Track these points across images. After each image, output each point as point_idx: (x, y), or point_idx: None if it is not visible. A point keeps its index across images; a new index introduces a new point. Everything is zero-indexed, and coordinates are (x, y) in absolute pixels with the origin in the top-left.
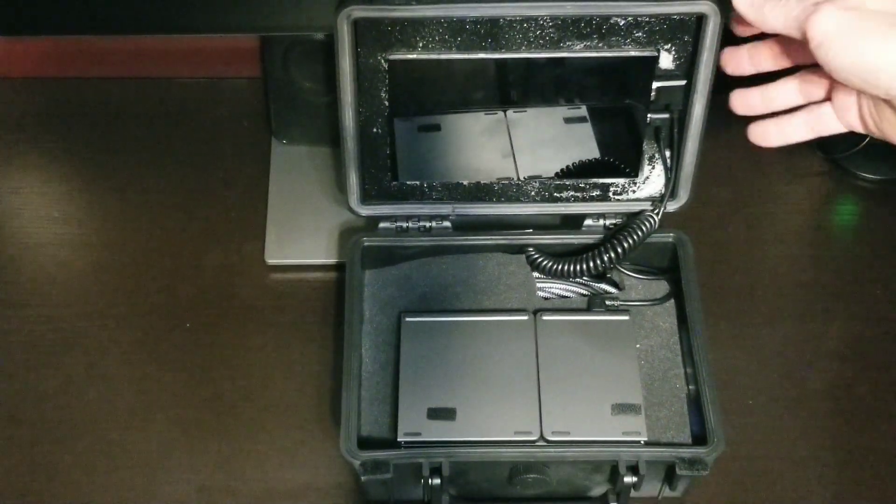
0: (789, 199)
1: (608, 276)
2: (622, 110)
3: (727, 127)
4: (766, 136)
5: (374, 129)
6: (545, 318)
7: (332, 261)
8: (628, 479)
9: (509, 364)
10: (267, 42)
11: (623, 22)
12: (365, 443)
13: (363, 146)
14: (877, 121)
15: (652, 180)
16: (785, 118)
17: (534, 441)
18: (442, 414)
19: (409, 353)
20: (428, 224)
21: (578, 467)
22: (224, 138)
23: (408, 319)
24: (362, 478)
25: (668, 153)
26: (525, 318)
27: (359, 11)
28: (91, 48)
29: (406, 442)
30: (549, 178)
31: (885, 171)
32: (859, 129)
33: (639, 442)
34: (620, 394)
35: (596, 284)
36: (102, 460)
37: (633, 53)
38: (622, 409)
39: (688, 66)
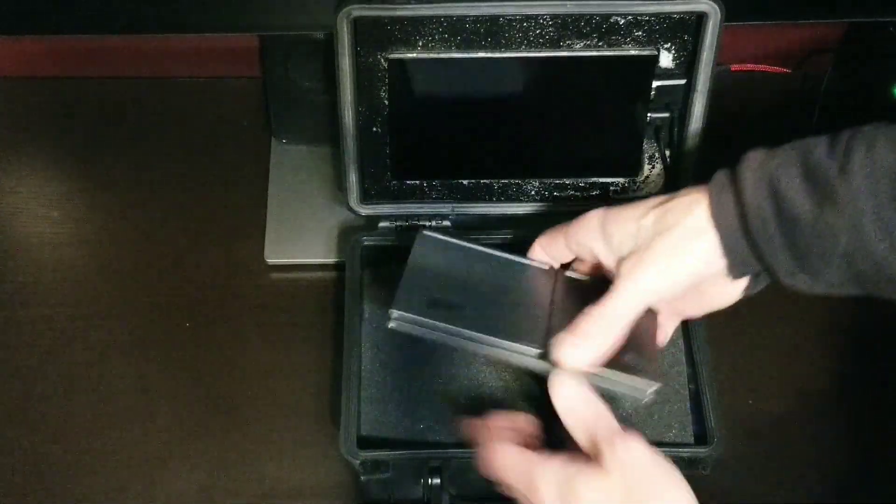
0: None
1: None
2: (622, 109)
3: (727, 126)
4: None
5: (374, 129)
6: (567, 273)
7: (331, 260)
8: None
9: (520, 302)
10: (267, 41)
11: (623, 21)
12: (365, 443)
13: (363, 145)
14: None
15: (652, 179)
16: None
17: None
18: (444, 304)
19: (418, 260)
20: (428, 223)
21: None
22: (224, 138)
23: (425, 233)
24: (362, 478)
25: (667, 152)
26: (546, 266)
27: (358, 10)
28: (91, 48)
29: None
30: (549, 178)
31: None
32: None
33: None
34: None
35: None
36: (102, 460)
37: (633, 52)
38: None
39: (688, 66)
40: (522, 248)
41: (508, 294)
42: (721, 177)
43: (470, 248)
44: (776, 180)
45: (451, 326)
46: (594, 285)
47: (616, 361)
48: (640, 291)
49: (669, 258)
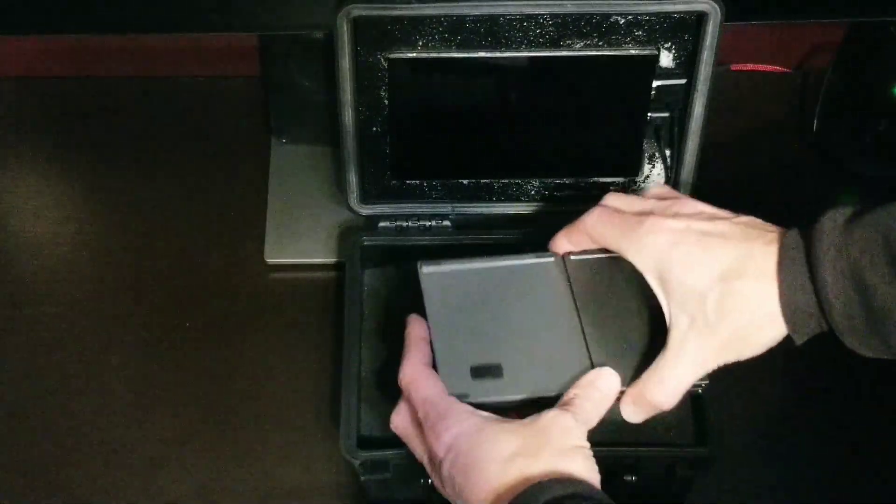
0: (788, 196)
1: None
2: (622, 109)
3: (727, 126)
4: None
5: (374, 128)
6: (574, 258)
7: (331, 260)
8: (628, 479)
9: (546, 311)
10: (267, 41)
11: (623, 20)
12: (365, 443)
13: (363, 145)
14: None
15: (652, 179)
16: None
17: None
18: (486, 371)
19: (436, 306)
20: (428, 223)
21: None
22: (224, 137)
23: (426, 270)
24: (362, 478)
25: (667, 152)
26: (551, 259)
27: (358, 10)
28: (90, 47)
29: None
30: (550, 178)
31: (883, 168)
32: None
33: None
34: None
35: None
36: (102, 460)
37: (633, 52)
38: None
39: (688, 65)
40: (519, 246)
41: (535, 322)
42: (793, 255)
43: (472, 268)
44: (861, 271)
45: (508, 399)
46: (608, 266)
47: None
48: (703, 367)
49: (737, 344)
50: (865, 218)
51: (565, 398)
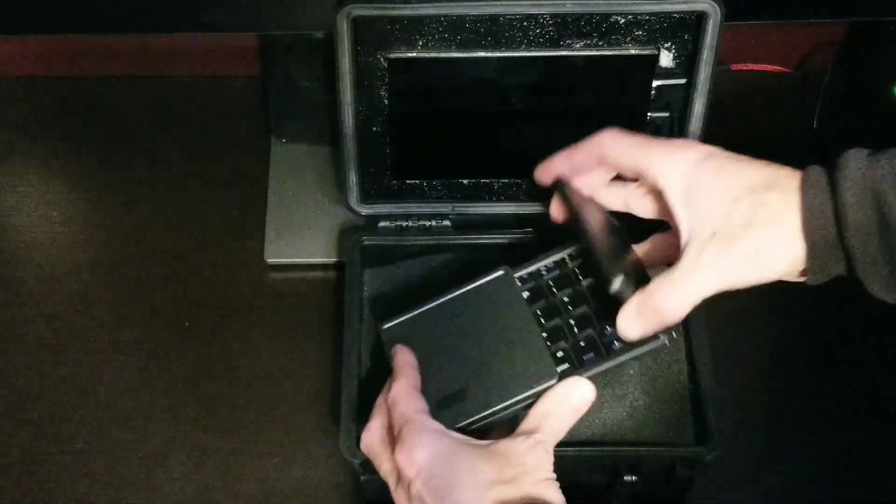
0: None
1: None
2: (622, 109)
3: (727, 126)
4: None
5: (374, 128)
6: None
7: (331, 260)
8: (628, 479)
9: (504, 323)
10: (267, 40)
11: (623, 20)
12: None
13: (363, 145)
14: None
15: None
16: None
17: (554, 385)
18: (451, 399)
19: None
20: (428, 223)
21: None
22: (224, 137)
23: (385, 327)
24: (362, 478)
25: None
26: (501, 272)
27: (358, 10)
28: (90, 47)
29: None
30: None
31: None
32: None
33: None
34: None
35: None
36: (102, 460)
37: (633, 52)
38: None
39: (688, 65)
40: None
41: (495, 337)
42: (816, 177)
43: (428, 309)
44: (882, 193)
45: (472, 419)
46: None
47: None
48: (719, 281)
49: (756, 260)
50: (890, 150)
51: (533, 421)
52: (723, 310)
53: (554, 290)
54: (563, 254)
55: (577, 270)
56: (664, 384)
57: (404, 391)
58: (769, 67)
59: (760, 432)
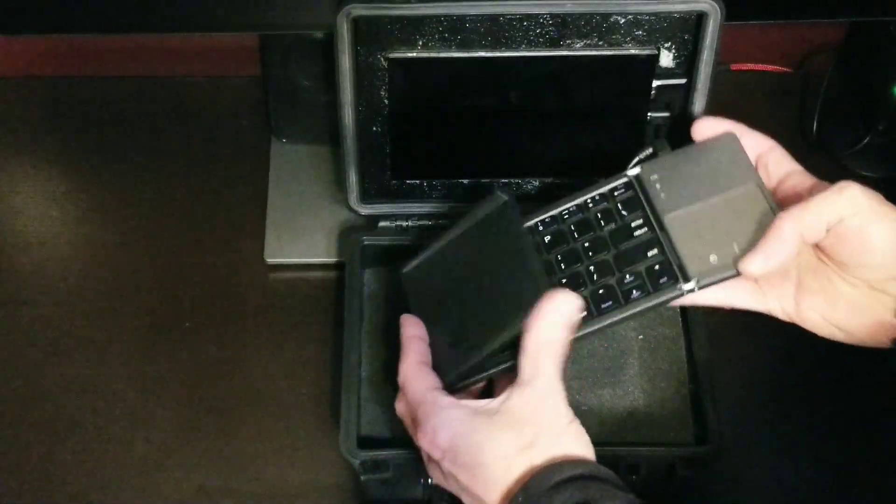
0: None
1: None
2: (622, 109)
3: None
4: None
5: (374, 128)
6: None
7: (331, 260)
8: (627, 479)
9: (506, 254)
10: (267, 40)
11: (623, 20)
12: (365, 442)
13: (363, 145)
14: (795, 308)
15: None
16: None
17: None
18: (460, 341)
19: (420, 304)
20: (428, 223)
21: None
22: (224, 137)
23: (405, 270)
24: (362, 478)
25: None
26: (501, 200)
27: (358, 9)
28: (90, 47)
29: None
30: (549, 178)
31: (886, 169)
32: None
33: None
34: None
35: None
36: (102, 460)
37: (633, 52)
38: None
39: (688, 65)
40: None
41: (494, 272)
42: None
43: (439, 249)
44: None
45: (472, 364)
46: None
47: None
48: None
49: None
50: None
51: (531, 364)
52: (723, 310)
53: (575, 234)
54: (587, 196)
55: (598, 215)
56: (664, 384)
57: (412, 370)
58: (769, 67)
59: (760, 432)
